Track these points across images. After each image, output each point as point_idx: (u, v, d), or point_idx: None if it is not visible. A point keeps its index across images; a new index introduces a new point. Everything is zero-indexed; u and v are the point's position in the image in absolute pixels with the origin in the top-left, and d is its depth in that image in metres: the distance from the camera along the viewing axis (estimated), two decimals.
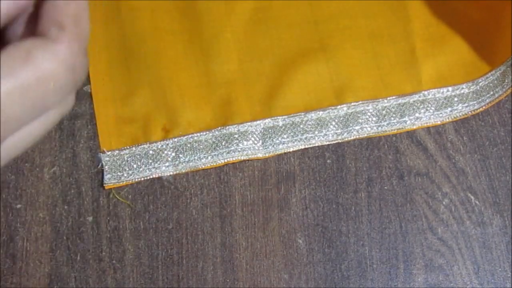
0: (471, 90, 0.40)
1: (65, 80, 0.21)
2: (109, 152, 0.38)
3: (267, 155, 0.39)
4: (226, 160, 0.38)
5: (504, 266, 0.37)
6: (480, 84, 0.40)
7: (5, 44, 0.21)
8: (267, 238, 0.37)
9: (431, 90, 0.40)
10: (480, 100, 0.39)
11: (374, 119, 0.39)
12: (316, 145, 0.39)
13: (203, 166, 0.38)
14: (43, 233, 0.37)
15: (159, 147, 0.39)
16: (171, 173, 0.38)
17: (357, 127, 0.39)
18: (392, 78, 0.40)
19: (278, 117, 0.39)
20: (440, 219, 0.38)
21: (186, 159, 0.38)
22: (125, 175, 0.38)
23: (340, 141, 0.39)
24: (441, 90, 0.40)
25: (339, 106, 0.40)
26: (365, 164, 0.39)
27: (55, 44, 0.20)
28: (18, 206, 0.38)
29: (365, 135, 0.39)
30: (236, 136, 0.39)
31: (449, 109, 0.39)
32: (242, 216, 0.38)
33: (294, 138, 0.39)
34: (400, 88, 0.40)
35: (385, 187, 0.38)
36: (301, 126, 0.39)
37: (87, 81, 0.40)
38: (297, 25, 0.41)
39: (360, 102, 0.40)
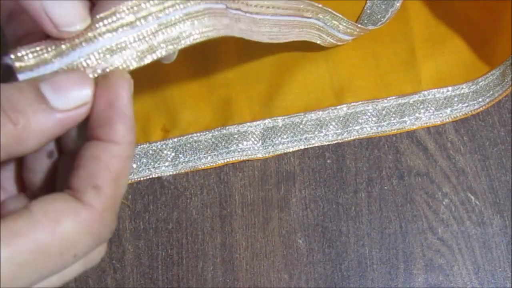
0: (471, 90, 0.40)
1: (88, 248, 0.20)
2: None
3: (267, 155, 0.39)
4: (225, 160, 0.38)
5: (504, 266, 0.37)
6: (480, 84, 0.40)
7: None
8: (267, 238, 0.37)
9: (431, 90, 0.40)
10: (480, 100, 0.39)
11: (374, 119, 0.39)
12: (316, 145, 0.39)
13: (203, 166, 0.38)
14: None
15: (158, 147, 0.39)
16: (171, 173, 0.38)
17: (357, 127, 0.39)
18: (392, 78, 0.40)
19: (278, 117, 0.39)
20: (440, 219, 0.38)
21: (186, 159, 0.39)
22: None
23: (340, 141, 0.39)
24: (441, 90, 0.40)
25: (339, 106, 0.40)
26: (365, 164, 0.39)
27: (86, 211, 0.19)
28: None
29: (365, 135, 0.39)
30: (236, 136, 0.39)
31: (449, 109, 0.39)
32: (242, 216, 0.38)
33: (294, 138, 0.39)
34: (400, 88, 0.40)
35: (385, 187, 0.38)
36: (301, 126, 0.39)
37: None
38: None
39: (360, 102, 0.40)
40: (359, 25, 0.38)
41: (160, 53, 0.22)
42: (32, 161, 0.22)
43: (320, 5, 0.34)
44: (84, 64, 0.21)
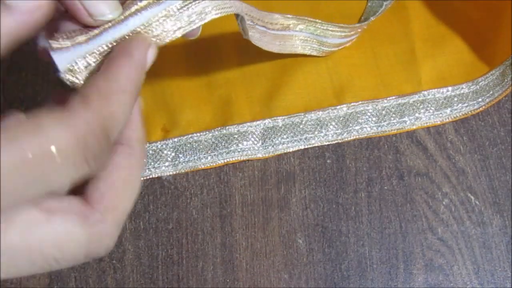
0: (471, 90, 0.40)
1: (74, 155, 0.19)
2: None
3: (267, 155, 0.39)
4: (225, 160, 0.38)
5: (504, 266, 0.37)
6: (480, 84, 0.40)
7: None
8: (267, 238, 0.37)
9: (431, 90, 0.40)
10: (480, 100, 0.39)
11: (374, 119, 0.39)
12: (316, 145, 0.39)
13: (203, 166, 0.38)
14: None
15: (158, 147, 0.39)
16: (171, 173, 0.38)
17: (357, 127, 0.39)
18: (392, 78, 0.40)
19: (278, 118, 0.39)
20: (440, 219, 0.38)
21: (186, 159, 0.39)
22: None
23: (340, 141, 0.39)
24: (441, 90, 0.40)
25: (338, 106, 0.40)
26: (365, 164, 0.39)
27: (72, 117, 0.19)
28: None
29: (365, 135, 0.39)
30: (236, 136, 0.39)
31: (449, 109, 0.39)
32: (242, 216, 0.38)
33: (294, 139, 0.39)
34: (400, 88, 0.40)
35: (385, 187, 0.38)
36: (301, 126, 0.39)
37: None
38: None
39: (360, 102, 0.40)
40: (348, 25, 0.38)
41: (187, 28, 0.24)
42: None
43: (303, 17, 0.35)
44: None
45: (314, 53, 0.39)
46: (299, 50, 0.38)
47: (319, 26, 0.36)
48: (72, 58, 0.23)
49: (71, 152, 0.19)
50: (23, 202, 0.19)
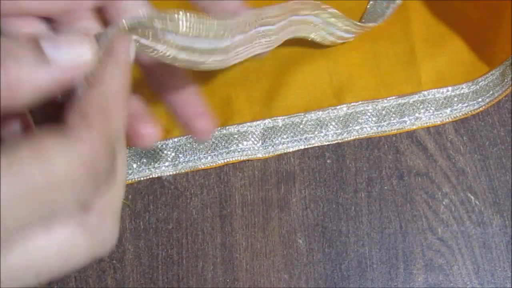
0: (471, 90, 0.40)
1: (81, 181, 0.18)
2: None
3: (267, 155, 0.39)
4: (225, 160, 0.38)
5: (504, 266, 0.37)
6: (480, 84, 0.40)
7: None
8: (267, 238, 0.37)
9: (431, 90, 0.40)
10: (480, 100, 0.39)
11: (374, 119, 0.39)
12: (316, 145, 0.39)
13: (203, 166, 0.38)
14: None
15: (158, 147, 0.39)
16: (171, 173, 0.38)
17: (357, 127, 0.39)
18: (392, 78, 0.40)
19: (278, 118, 0.39)
20: (440, 219, 0.38)
21: (186, 159, 0.39)
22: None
23: (340, 141, 0.39)
24: (441, 90, 0.40)
25: (338, 106, 0.40)
26: (365, 164, 0.39)
27: (77, 142, 0.18)
28: None
29: (365, 135, 0.39)
30: (236, 136, 0.39)
31: (449, 109, 0.39)
32: (242, 216, 0.38)
33: (294, 139, 0.39)
34: (400, 88, 0.40)
35: (385, 187, 0.38)
36: (301, 126, 0.39)
37: None
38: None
39: (360, 102, 0.40)
40: (358, 23, 0.38)
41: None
42: None
43: (318, 2, 0.34)
44: None
45: (318, 40, 0.38)
46: (292, 35, 0.36)
47: (333, 17, 0.36)
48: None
49: (79, 178, 0.18)
50: (27, 227, 0.18)
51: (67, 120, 0.18)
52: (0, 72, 0.17)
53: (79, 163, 0.17)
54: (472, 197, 0.38)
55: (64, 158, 0.17)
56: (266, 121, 0.39)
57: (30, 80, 0.18)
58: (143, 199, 0.38)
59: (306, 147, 0.39)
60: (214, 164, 0.38)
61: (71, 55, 0.19)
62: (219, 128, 0.39)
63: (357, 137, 0.39)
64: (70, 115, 0.19)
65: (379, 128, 0.39)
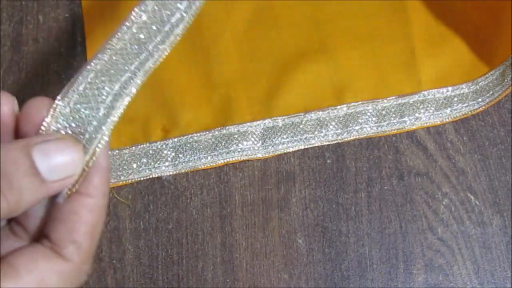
0: (471, 90, 0.40)
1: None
2: (109, 152, 0.38)
3: (266, 155, 0.39)
4: (225, 160, 0.38)
5: (504, 266, 0.37)
6: (480, 84, 0.40)
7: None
8: (267, 238, 0.37)
9: (431, 90, 0.40)
10: (480, 100, 0.39)
11: (374, 119, 0.39)
12: (316, 145, 0.39)
13: (203, 166, 0.38)
14: None
15: (158, 147, 0.39)
16: (171, 173, 0.38)
17: (357, 127, 0.39)
18: (391, 78, 0.40)
19: (278, 118, 0.39)
20: (440, 219, 0.38)
21: (186, 159, 0.38)
22: (125, 174, 0.38)
23: (340, 141, 0.39)
24: (441, 90, 0.40)
25: (338, 107, 0.40)
26: (365, 164, 0.39)
27: (67, 266, 0.21)
28: None
29: (365, 135, 0.39)
30: (236, 136, 0.39)
31: (449, 109, 0.39)
32: (242, 216, 0.38)
33: (294, 139, 0.39)
34: (399, 88, 0.40)
35: (385, 187, 0.38)
36: (301, 126, 0.39)
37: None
38: (297, 25, 0.41)
39: (360, 102, 0.40)
40: None
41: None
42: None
43: None
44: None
45: None
46: None
47: None
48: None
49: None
50: None
51: (55, 239, 0.21)
52: (1, 200, 0.20)
53: (65, 282, 0.21)
54: (472, 197, 0.38)
55: (56, 279, 0.21)
56: (266, 121, 0.39)
57: (28, 200, 0.21)
58: (143, 199, 0.38)
59: (306, 147, 0.39)
60: (214, 164, 0.38)
61: (62, 171, 0.21)
62: (219, 128, 0.39)
63: (357, 137, 0.39)
64: (58, 234, 0.21)
65: (379, 128, 0.39)
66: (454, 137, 0.39)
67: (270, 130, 0.39)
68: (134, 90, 0.24)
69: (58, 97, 0.23)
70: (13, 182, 0.20)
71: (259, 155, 0.39)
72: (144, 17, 0.25)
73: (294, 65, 0.40)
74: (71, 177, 0.22)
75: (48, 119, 0.22)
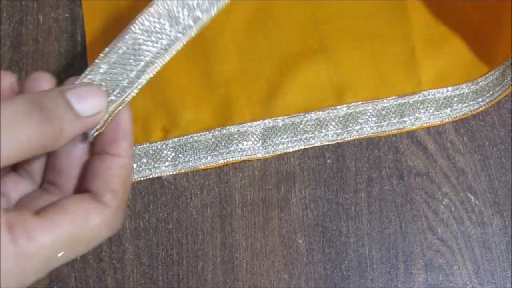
0: (471, 90, 0.40)
1: (105, 237, 0.25)
2: None
3: (267, 155, 0.39)
4: (225, 160, 0.38)
5: (504, 266, 0.37)
6: (480, 84, 0.40)
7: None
8: (267, 238, 0.37)
9: (431, 90, 0.40)
10: (480, 100, 0.39)
11: (374, 119, 0.39)
12: (316, 145, 0.39)
13: (203, 166, 0.38)
14: None
15: (158, 147, 0.39)
16: (171, 173, 0.38)
17: (357, 127, 0.39)
18: (392, 78, 0.40)
19: (278, 118, 0.39)
20: (440, 219, 0.38)
21: (186, 159, 0.39)
22: None
23: (340, 141, 0.39)
24: (441, 90, 0.40)
25: (338, 106, 0.40)
26: (365, 164, 0.39)
27: (107, 210, 0.25)
28: None
29: (365, 135, 0.39)
30: (236, 136, 0.39)
31: (449, 109, 0.39)
32: (242, 216, 0.38)
33: (294, 138, 0.39)
34: (399, 88, 0.40)
35: (385, 187, 0.38)
36: (301, 126, 0.39)
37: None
38: (297, 25, 0.41)
39: (360, 102, 0.40)
40: None
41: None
42: (61, 161, 0.27)
43: None
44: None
45: None
46: None
47: None
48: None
49: (102, 235, 0.25)
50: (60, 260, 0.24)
51: (95, 190, 0.25)
52: (48, 130, 0.23)
53: (106, 224, 0.25)
54: (472, 197, 0.38)
55: (98, 219, 0.24)
56: (266, 121, 0.39)
57: (68, 132, 0.24)
58: (143, 199, 0.38)
59: (306, 147, 0.39)
60: (214, 164, 0.38)
61: (92, 108, 0.25)
62: (219, 128, 0.39)
63: (357, 137, 0.39)
64: (98, 185, 0.25)
65: (379, 128, 0.39)
66: (454, 137, 0.39)
67: (270, 130, 0.39)
68: (160, 64, 0.28)
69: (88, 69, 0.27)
70: (55, 113, 0.23)
71: (259, 155, 0.39)
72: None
73: (294, 65, 0.40)
74: (100, 113, 0.26)
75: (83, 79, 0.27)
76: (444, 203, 0.38)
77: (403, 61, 0.41)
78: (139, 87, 0.28)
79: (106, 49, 0.27)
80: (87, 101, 0.25)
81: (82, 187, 0.26)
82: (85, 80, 0.27)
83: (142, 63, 0.28)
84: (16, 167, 0.28)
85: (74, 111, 0.25)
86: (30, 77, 0.27)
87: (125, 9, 0.41)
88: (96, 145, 0.27)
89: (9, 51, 0.40)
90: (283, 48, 0.41)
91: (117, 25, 0.41)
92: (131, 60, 0.27)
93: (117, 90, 0.27)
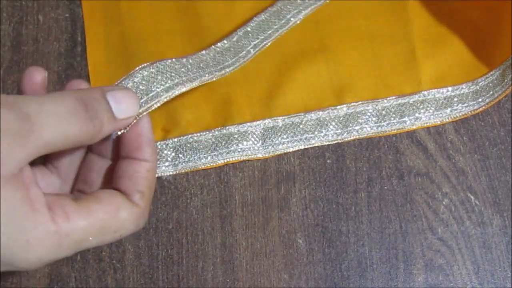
0: (471, 90, 0.40)
1: (130, 232, 0.27)
2: None
3: (267, 155, 0.39)
4: (225, 160, 0.38)
5: (504, 266, 0.37)
6: (480, 84, 0.40)
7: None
8: (267, 238, 0.37)
9: (431, 90, 0.40)
10: (480, 100, 0.39)
11: (374, 119, 0.39)
12: (316, 145, 0.39)
13: (203, 166, 0.38)
14: None
15: (158, 147, 0.39)
16: (171, 173, 0.38)
17: (357, 127, 0.39)
18: (392, 78, 0.40)
19: (278, 118, 0.39)
20: (440, 219, 0.38)
21: (186, 159, 0.39)
22: None
23: (340, 141, 0.39)
24: (441, 90, 0.40)
25: (338, 107, 0.40)
26: (365, 164, 0.39)
27: (136, 208, 0.27)
28: None
29: (365, 135, 0.39)
30: (236, 136, 0.39)
31: (449, 109, 0.39)
32: (242, 216, 0.38)
33: (294, 139, 0.39)
34: (400, 88, 0.40)
35: (385, 187, 0.38)
36: (301, 126, 0.39)
37: (87, 81, 0.39)
38: (297, 25, 0.41)
39: (360, 102, 0.40)
40: None
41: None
42: (93, 163, 0.30)
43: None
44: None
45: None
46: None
47: None
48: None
49: (130, 229, 0.27)
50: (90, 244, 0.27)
51: (125, 190, 0.27)
52: (89, 129, 0.26)
53: (133, 220, 0.27)
54: (472, 197, 0.38)
55: (127, 214, 0.27)
56: (266, 121, 0.39)
57: (105, 131, 0.27)
58: None
59: (306, 147, 0.39)
60: (214, 164, 0.38)
61: (127, 112, 0.28)
62: (219, 128, 0.39)
63: (357, 137, 0.39)
64: (128, 186, 0.28)
65: (379, 128, 0.39)
66: (454, 137, 0.39)
67: (270, 130, 0.39)
68: (191, 86, 0.33)
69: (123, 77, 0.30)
70: (98, 114, 0.26)
71: (259, 155, 0.39)
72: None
73: (294, 65, 0.40)
74: (131, 118, 0.28)
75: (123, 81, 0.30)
76: (444, 203, 0.38)
77: (403, 61, 0.41)
78: (165, 99, 0.31)
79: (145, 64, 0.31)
80: (123, 104, 0.28)
81: (114, 186, 0.28)
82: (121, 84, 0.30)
83: (171, 82, 0.32)
84: (45, 162, 0.30)
85: (112, 112, 0.27)
86: (24, 72, 0.29)
87: (125, 9, 0.41)
88: (121, 151, 0.29)
89: (9, 51, 0.40)
90: (283, 48, 0.41)
91: (117, 25, 0.41)
92: (159, 78, 0.32)
93: (144, 99, 0.30)
